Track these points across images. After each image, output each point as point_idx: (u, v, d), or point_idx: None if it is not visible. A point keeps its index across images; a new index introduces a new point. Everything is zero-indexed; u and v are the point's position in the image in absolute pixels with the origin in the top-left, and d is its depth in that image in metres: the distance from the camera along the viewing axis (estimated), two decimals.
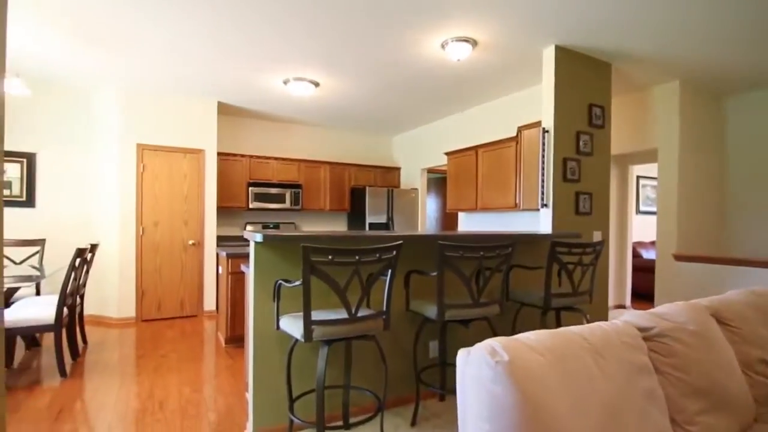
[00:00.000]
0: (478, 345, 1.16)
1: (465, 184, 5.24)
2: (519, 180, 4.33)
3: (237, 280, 3.99)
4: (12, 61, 4.12)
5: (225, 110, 5.90)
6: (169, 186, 5.21)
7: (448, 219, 7.67)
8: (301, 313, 2.12)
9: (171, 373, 3.37)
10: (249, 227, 6.19)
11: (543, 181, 3.77)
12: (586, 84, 3.88)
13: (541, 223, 3.83)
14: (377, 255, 2.04)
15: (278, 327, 2.19)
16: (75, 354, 3.66)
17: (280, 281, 2.17)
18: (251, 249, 2.35)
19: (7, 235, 4.73)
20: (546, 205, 3.76)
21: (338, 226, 7.03)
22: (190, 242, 5.32)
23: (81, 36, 3.58)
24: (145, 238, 5.10)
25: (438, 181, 7.91)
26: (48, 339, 4.09)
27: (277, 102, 5.45)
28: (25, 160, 4.82)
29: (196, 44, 3.74)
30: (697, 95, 4.60)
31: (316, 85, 4.69)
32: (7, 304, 3.69)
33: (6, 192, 4.75)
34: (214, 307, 5.45)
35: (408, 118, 6.24)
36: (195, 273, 5.35)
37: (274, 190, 6.09)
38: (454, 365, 3.02)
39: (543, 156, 3.76)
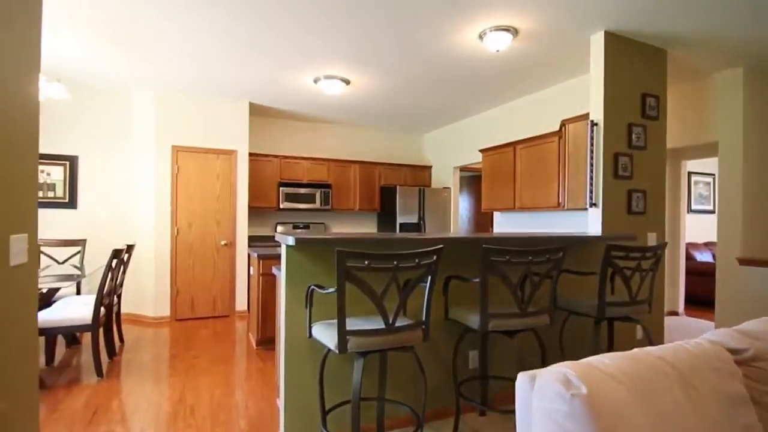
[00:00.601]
0: (547, 372, 0.98)
1: (502, 183, 5.00)
2: (564, 177, 4.06)
3: (268, 281, 3.93)
4: (53, 66, 4.22)
5: (256, 111, 5.88)
6: (202, 187, 5.24)
7: (482, 219, 7.41)
8: (335, 321, 1.99)
9: (202, 375, 3.33)
10: (279, 227, 6.17)
11: (591, 178, 3.49)
12: (639, 72, 3.57)
13: (589, 224, 3.56)
14: (416, 260, 1.89)
15: (310, 335, 2.07)
16: (112, 353, 3.69)
17: (312, 287, 2.05)
18: (282, 252, 2.24)
19: (51, 235, 4.87)
20: (595, 205, 3.49)
21: (368, 226, 6.91)
22: (223, 243, 5.33)
23: (119, 40, 3.60)
24: (180, 239, 5.14)
25: (470, 179, 7.66)
26: (87, 337, 4.17)
27: (307, 101, 5.38)
28: (67, 163, 4.95)
29: (231, 46, 3.70)
30: (764, 82, 4.18)
31: (347, 82, 4.57)
32: (49, 303, 3.77)
33: (50, 194, 4.89)
34: (245, 307, 5.44)
35: (440, 114, 6.04)
36: (227, 273, 5.36)
37: (304, 190, 6.03)
38: (496, 378, 2.84)
39: (591, 151, 3.49)
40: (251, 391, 3.06)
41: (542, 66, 4.14)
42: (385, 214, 6.59)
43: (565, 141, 4.02)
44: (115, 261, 3.45)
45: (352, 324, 1.92)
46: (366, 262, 1.76)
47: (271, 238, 6.15)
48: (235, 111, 5.38)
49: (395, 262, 1.82)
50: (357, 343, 1.82)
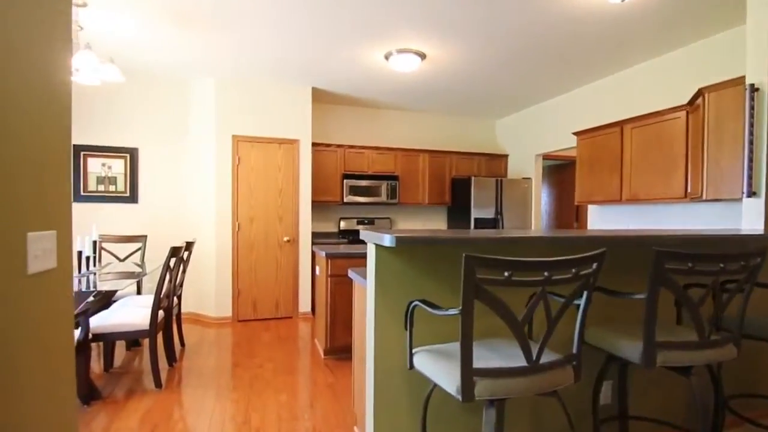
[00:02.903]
0: None
1: (603, 170, 4.21)
2: (698, 161, 3.24)
3: (337, 283, 3.47)
4: (114, 53, 4.02)
5: (318, 98, 5.48)
6: (263, 179, 4.91)
7: (566, 213, 6.56)
8: (447, 347, 1.45)
9: (267, 389, 2.93)
10: (343, 223, 5.74)
11: (750, 160, 2.68)
12: None
13: (744, 218, 2.74)
14: (573, 270, 1.29)
15: (412, 366, 1.53)
16: (172, 358, 3.41)
17: (415, 303, 1.51)
18: (370, 254, 1.72)
19: (113, 231, 4.75)
20: (755, 194, 2.67)
21: (437, 222, 6.32)
22: (285, 239, 4.98)
23: (178, 22, 3.29)
24: (241, 235, 4.85)
25: (551, 169, 6.82)
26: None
27: (374, 83, 4.88)
28: (128, 156, 4.82)
29: (293, 22, 3.27)
30: None
31: (423, 57, 4.00)
32: (109, 304, 3.56)
33: (111, 188, 4.77)
34: (308, 309, 5.07)
35: (521, 95, 5.30)
36: (290, 272, 5.01)
37: (369, 183, 5.55)
38: (637, 419, 2.17)
39: (751, 125, 2.67)
40: (324, 413, 2.60)
41: (674, 20, 3.33)
42: (457, 209, 5.96)
43: (702, 114, 3.19)
44: (173, 260, 3.14)
45: (476, 355, 1.37)
46: (506, 273, 1.19)
47: (334, 234, 5.74)
48: (297, 97, 5.00)
49: (546, 273, 1.23)
50: (489, 387, 1.26)
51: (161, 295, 2.98)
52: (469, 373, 1.25)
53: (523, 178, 5.83)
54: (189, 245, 3.60)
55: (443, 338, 1.74)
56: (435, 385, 1.46)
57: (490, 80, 4.76)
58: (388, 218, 6.00)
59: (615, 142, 4.07)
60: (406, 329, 1.54)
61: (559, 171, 6.69)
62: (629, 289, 2.10)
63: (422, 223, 6.25)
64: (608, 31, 3.49)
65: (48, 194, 1.20)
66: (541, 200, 5.96)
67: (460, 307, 1.22)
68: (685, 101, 3.71)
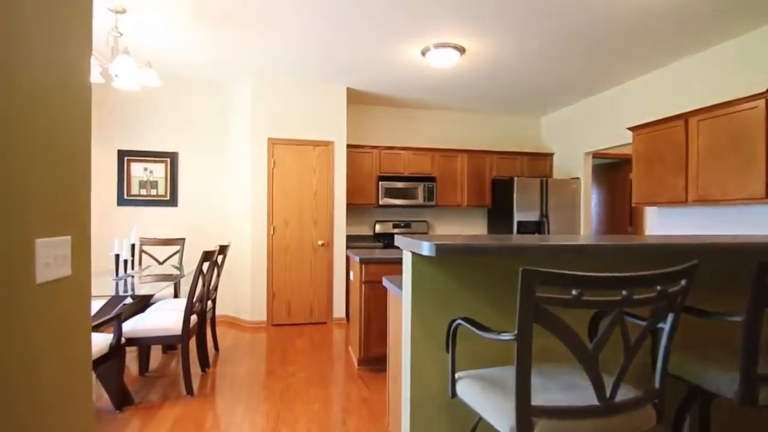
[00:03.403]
0: None
1: (665, 168, 3.80)
2: None
3: (372, 290, 3.30)
4: (153, 59, 4.07)
5: (353, 98, 5.36)
6: (298, 182, 4.84)
7: (618, 217, 6.09)
8: (494, 372, 1.23)
9: (298, 401, 2.80)
10: (378, 226, 5.58)
11: None
12: None
13: None
14: (657, 287, 1.04)
15: (454, 394, 1.33)
16: (205, 363, 3.36)
17: (459, 321, 1.30)
18: (406, 263, 1.53)
19: (154, 234, 4.82)
20: None
21: (477, 225, 6.03)
22: (320, 242, 4.88)
23: (214, 26, 3.25)
24: (276, 238, 4.79)
25: (602, 168, 6.36)
26: None
27: (410, 81, 4.69)
28: (168, 160, 4.88)
29: (328, 21, 3.15)
30: None
31: (461, 51, 3.77)
32: (146, 306, 3.56)
33: (153, 191, 4.85)
34: (343, 314, 4.94)
35: (568, 89, 4.94)
36: (324, 276, 4.90)
37: (405, 184, 5.36)
38: None
39: None
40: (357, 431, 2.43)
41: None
42: (498, 211, 5.65)
43: None
44: (206, 264, 3.08)
45: (533, 385, 1.14)
46: (575, 291, 0.96)
47: (369, 238, 5.59)
48: (331, 98, 4.90)
49: (624, 292, 0.99)
50: (552, 431, 1.03)
51: (194, 300, 2.92)
52: (526, 412, 1.03)
53: (571, 179, 5.44)
54: (223, 249, 3.55)
55: (490, 361, 1.52)
56: (481, 418, 1.24)
57: (534, 74, 4.45)
58: (425, 221, 5.78)
59: (679, 137, 3.66)
60: (447, 351, 1.33)
61: (611, 170, 6.22)
62: (720, 308, 1.79)
63: (460, 226, 5.98)
64: (666, 15, 3.12)
65: (62, 198, 1.11)
66: (591, 202, 5.54)
67: (516, 332, 1.00)
68: (760, 89, 3.27)
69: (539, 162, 5.88)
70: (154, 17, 3.26)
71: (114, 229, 4.72)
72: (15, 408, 0.92)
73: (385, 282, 2.17)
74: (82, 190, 1.21)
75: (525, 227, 5.26)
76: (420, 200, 5.40)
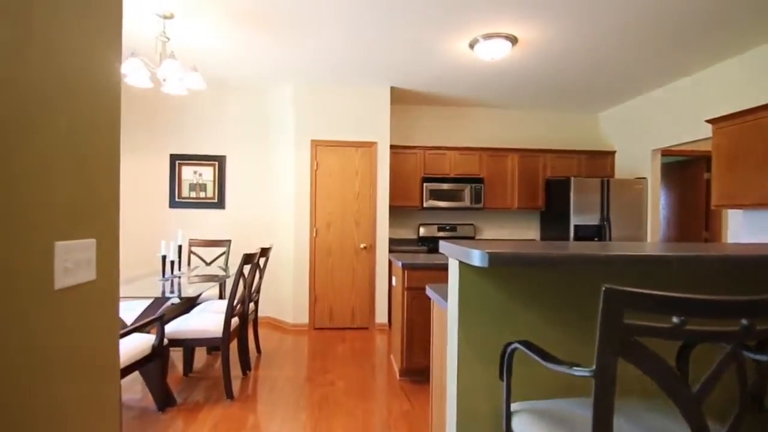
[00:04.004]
0: None
1: (752, 165, 3.33)
2: None
3: (415, 297, 3.12)
4: (200, 64, 4.14)
5: (397, 99, 5.22)
6: (341, 184, 4.76)
7: (692, 221, 5.50)
8: (559, 405, 1.02)
9: (337, 412, 2.67)
10: (422, 229, 5.39)
11: None
12: None
13: None
14: None
15: (509, 429, 1.12)
16: (246, 366, 3.33)
17: (516, 345, 1.09)
18: (453, 273, 1.34)
19: (202, 235, 4.92)
20: None
21: (528, 229, 5.67)
22: (362, 245, 4.76)
23: (258, 29, 3.23)
24: (318, 240, 4.73)
25: (670, 166, 5.78)
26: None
27: (457, 77, 4.47)
28: (216, 163, 4.97)
29: (370, 18, 3.02)
30: None
31: (513, 41, 3.51)
32: (191, 307, 3.60)
33: (201, 194, 4.96)
34: (385, 320, 4.79)
35: (635, 78, 4.50)
36: (366, 280, 4.78)
37: (451, 186, 5.13)
38: None
39: None
40: None
41: None
42: (552, 214, 5.28)
43: None
44: (248, 267, 3.05)
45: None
46: (678, 320, 0.74)
47: (413, 242, 5.41)
48: (374, 98, 4.78)
49: (745, 321, 0.75)
50: None
51: (234, 303, 2.88)
52: None
53: (636, 178, 4.96)
54: (265, 251, 3.51)
55: (551, 389, 1.30)
56: None
57: (594, 65, 4.08)
58: (472, 224, 5.50)
59: None
60: (501, 379, 1.13)
61: (682, 168, 5.64)
62: None
63: (510, 230, 5.65)
64: None
65: (86, 200, 1.06)
66: (659, 204, 5.03)
67: (594, 367, 0.79)
68: None
69: (599, 161, 5.43)
70: (199, 22, 3.29)
71: (166, 230, 4.87)
72: (32, 423, 0.84)
73: (429, 291, 1.99)
74: (109, 192, 1.15)
75: (583, 232, 4.85)
76: (467, 203, 5.15)
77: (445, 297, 1.70)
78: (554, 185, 5.21)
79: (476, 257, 1.06)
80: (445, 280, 3.09)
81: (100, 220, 1.11)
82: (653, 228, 4.95)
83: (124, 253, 4.71)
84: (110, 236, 1.15)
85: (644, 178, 4.97)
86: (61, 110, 0.93)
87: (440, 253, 4.50)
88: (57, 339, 0.94)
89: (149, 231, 4.87)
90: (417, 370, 3.19)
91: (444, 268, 3.07)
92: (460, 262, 1.29)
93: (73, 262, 1.00)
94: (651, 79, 4.47)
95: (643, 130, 5.01)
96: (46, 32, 0.87)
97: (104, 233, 1.13)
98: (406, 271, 3.09)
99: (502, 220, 5.64)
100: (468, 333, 1.28)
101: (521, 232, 5.65)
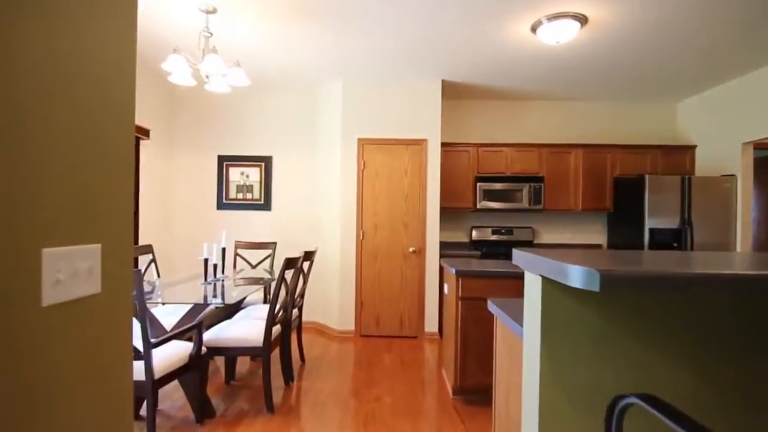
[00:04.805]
0: None
1: None
2: None
3: (470, 308, 2.81)
4: (245, 63, 4.07)
5: (448, 93, 4.91)
6: (388, 184, 4.52)
7: None
8: None
9: None
10: (475, 232, 5.03)
11: None
12: None
13: None
14: None
15: None
16: (289, 376, 3.16)
17: (632, 401, 0.78)
18: (533, 293, 1.04)
19: (249, 237, 4.88)
20: None
21: (594, 232, 5.15)
22: (411, 249, 4.49)
23: (305, 22, 3.07)
24: (365, 243, 4.52)
25: (762, 162, 5.03)
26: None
27: (516, 67, 4.09)
28: (263, 164, 4.91)
29: (422, 8, 2.76)
30: None
31: (583, 21, 3.11)
32: (236, 311, 3.50)
33: (248, 195, 4.91)
34: (436, 329, 4.48)
35: (721, 61, 3.90)
36: (415, 286, 4.50)
37: (507, 185, 4.74)
38: None
39: None
40: None
41: None
42: (622, 216, 4.74)
43: None
44: (290, 272, 2.88)
45: None
46: None
47: (465, 245, 5.07)
48: (425, 92, 4.50)
49: None
50: None
51: (275, 311, 2.72)
52: None
53: (724, 176, 4.32)
54: (309, 255, 3.34)
55: None
56: None
57: (673, 46, 3.56)
58: (530, 228, 5.07)
59: None
60: None
61: None
62: None
63: (572, 234, 5.15)
64: None
65: (88, 199, 0.87)
66: (750, 205, 4.36)
67: None
68: None
69: (677, 156, 4.81)
70: (243, 17, 3.18)
71: (213, 232, 4.87)
72: None
73: (493, 307, 1.68)
74: (119, 190, 0.98)
75: (660, 237, 4.29)
76: (524, 203, 4.74)
77: (514, 316, 1.40)
78: (624, 184, 4.67)
79: (578, 276, 0.76)
80: (505, 289, 2.75)
81: (108, 221, 0.94)
82: (743, 233, 4.29)
83: (175, 256, 4.74)
84: (121, 240, 0.98)
85: (732, 175, 4.32)
86: (55, 102, 0.76)
87: (495, 258, 4.14)
88: (47, 367, 0.77)
89: (199, 233, 4.89)
90: (472, 389, 2.87)
91: (503, 276, 2.74)
92: (545, 279, 0.99)
93: (68, 272, 0.84)
94: (742, 62, 3.85)
95: (732, 121, 4.35)
96: (41, 25, 0.70)
97: (113, 237, 0.96)
98: (460, 279, 2.79)
99: (563, 223, 5.15)
100: (555, 369, 0.98)
101: (586, 237, 5.14)
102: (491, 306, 1.71)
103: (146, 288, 2.97)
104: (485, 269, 2.76)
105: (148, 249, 3.63)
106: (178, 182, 4.93)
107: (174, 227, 4.91)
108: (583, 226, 5.15)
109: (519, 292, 2.72)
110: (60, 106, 0.78)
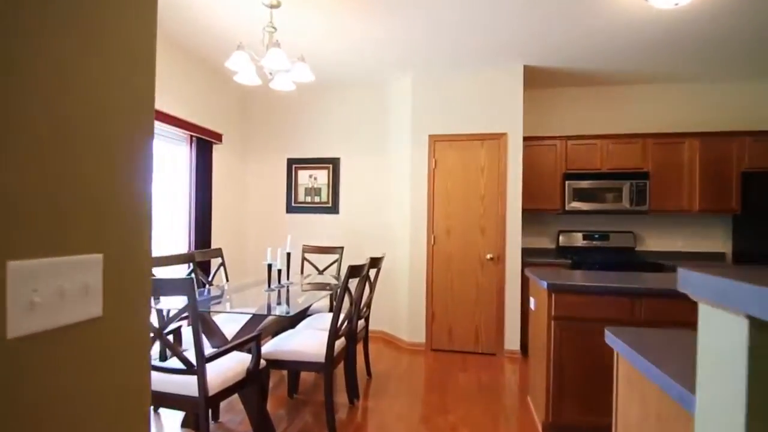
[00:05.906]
0: None
1: None
2: None
3: (567, 329, 2.33)
4: (311, 63, 3.92)
5: (529, 82, 4.39)
6: (463, 184, 4.12)
7: None
8: None
9: None
10: (562, 237, 4.43)
11: None
12: None
13: None
14: None
15: None
16: (353, 394, 2.90)
17: None
18: (722, 342, 0.62)
19: (318, 241, 4.74)
20: None
21: (714, 238, 4.28)
22: (488, 256, 4.04)
23: (369, 16, 2.84)
24: (437, 249, 4.16)
25: None
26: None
27: (614, 42, 3.49)
28: (330, 166, 4.76)
29: None
30: None
31: None
32: (301, 318, 3.33)
33: (316, 198, 4.79)
34: (517, 347, 3.97)
35: None
36: (493, 297, 4.03)
37: (602, 183, 4.10)
38: None
39: None
40: None
41: None
42: (753, 219, 3.87)
43: None
44: (355, 281, 2.61)
45: None
46: None
47: (550, 252, 4.48)
48: (503, 80, 4.04)
49: None
50: None
51: (338, 324, 2.46)
52: None
53: None
54: (375, 261, 3.06)
55: None
56: None
57: None
58: (631, 232, 4.35)
59: None
60: None
61: None
62: None
63: (685, 240, 4.33)
64: None
65: (85, 198, 0.68)
66: None
67: None
68: None
69: None
70: (307, 11, 3.00)
71: (282, 236, 4.81)
72: None
73: (612, 340, 1.24)
74: (129, 190, 0.75)
75: None
76: (625, 204, 4.05)
77: (660, 362, 0.96)
78: (756, 180, 3.80)
79: None
80: (615, 311, 2.22)
81: (113, 226, 0.72)
82: None
83: (246, 261, 4.70)
84: (132, 249, 0.76)
85: None
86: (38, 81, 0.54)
87: (592, 270, 3.47)
88: (12, 424, 0.54)
89: (269, 237, 4.86)
90: (569, 427, 2.38)
91: (612, 293, 2.23)
92: (753, 321, 0.58)
93: (50, 292, 0.63)
94: None
95: None
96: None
97: (120, 245, 0.73)
98: (553, 295, 2.32)
99: (673, 227, 4.35)
100: None
101: (703, 243, 4.29)
102: (612, 340, 1.27)
103: (215, 293, 2.88)
104: (588, 283, 2.27)
105: (218, 252, 3.59)
106: (251, 186, 4.95)
107: (246, 231, 4.93)
108: (699, 231, 4.30)
109: (632, 314, 2.19)
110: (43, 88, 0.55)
